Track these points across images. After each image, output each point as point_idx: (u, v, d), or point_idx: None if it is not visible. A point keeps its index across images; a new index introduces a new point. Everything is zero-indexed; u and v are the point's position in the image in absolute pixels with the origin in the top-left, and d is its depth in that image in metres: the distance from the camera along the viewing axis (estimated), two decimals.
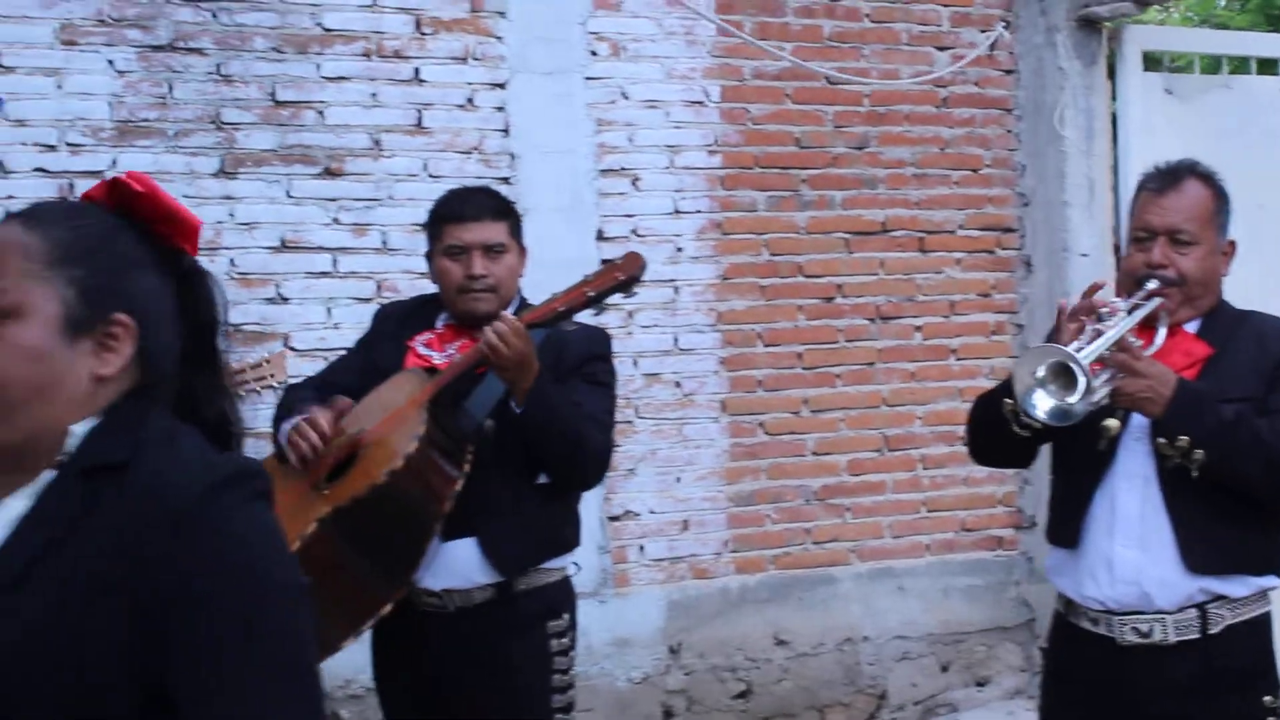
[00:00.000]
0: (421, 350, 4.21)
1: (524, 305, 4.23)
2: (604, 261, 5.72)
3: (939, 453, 6.92)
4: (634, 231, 6.32)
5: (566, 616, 4.21)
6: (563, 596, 4.24)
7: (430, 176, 6.01)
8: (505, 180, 6.01)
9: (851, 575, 6.77)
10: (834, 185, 6.73)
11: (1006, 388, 3.57)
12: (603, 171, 6.29)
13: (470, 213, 4.19)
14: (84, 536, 1.85)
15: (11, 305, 1.93)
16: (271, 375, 4.68)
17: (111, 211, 2.06)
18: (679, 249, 6.38)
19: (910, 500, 6.89)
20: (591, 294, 3.97)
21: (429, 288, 5.46)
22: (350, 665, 4.77)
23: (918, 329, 6.89)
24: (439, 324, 4.27)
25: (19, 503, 1.93)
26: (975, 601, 6.99)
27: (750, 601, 6.57)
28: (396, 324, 4.35)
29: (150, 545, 1.83)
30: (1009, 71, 7.07)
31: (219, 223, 5.67)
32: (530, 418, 3.94)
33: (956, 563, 6.97)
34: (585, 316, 4.09)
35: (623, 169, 6.35)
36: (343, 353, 4.58)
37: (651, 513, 6.37)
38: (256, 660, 1.85)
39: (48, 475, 1.94)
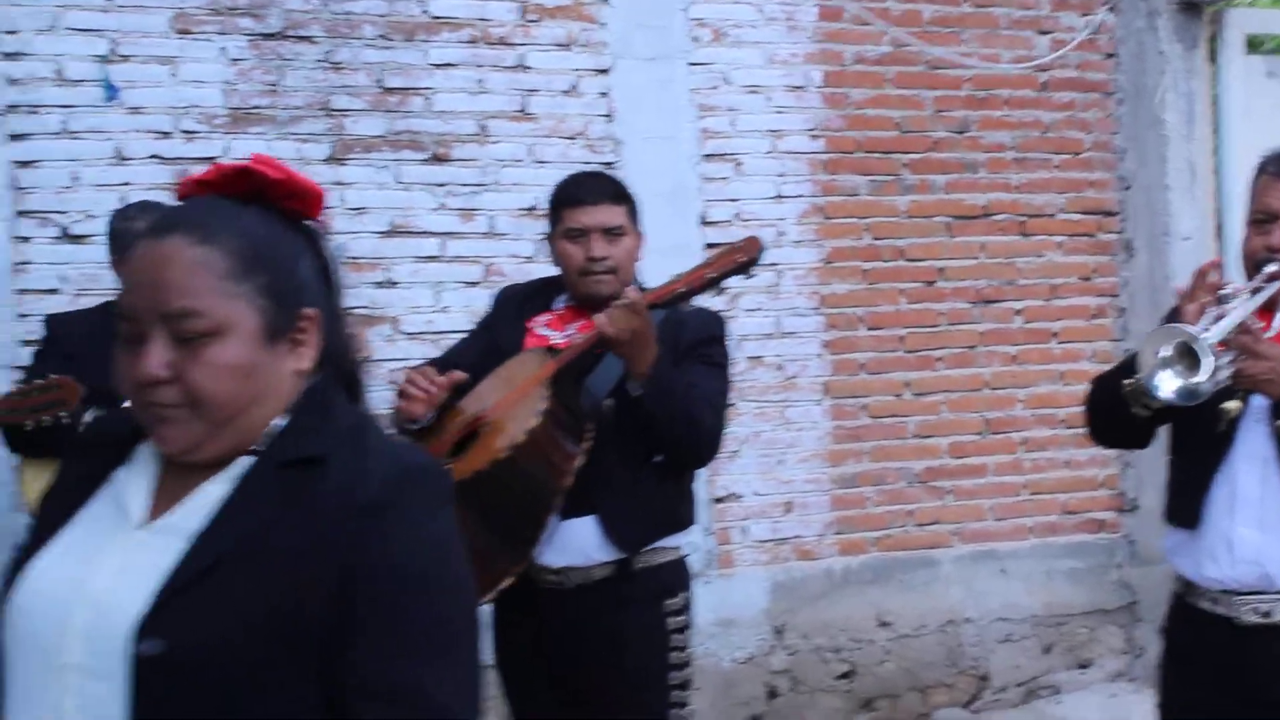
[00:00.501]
0: (541, 331, 4.23)
1: (641, 288, 4.23)
2: (708, 245, 5.77)
3: (1040, 435, 6.85)
4: (737, 216, 6.31)
5: (683, 595, 4.21)
6: (679, 575, 4.23)
7: (535, 162, 6.02)
8: (609, 165, 6.00)
9: (953, 557, 6.72)
10: (935, 169, 6.68)
11: (1126, 368, 3.53)
12: (706, 156, 6.27)
13: (589, 197, 4.20)
14: (283, 528, 1.91)
15: (211, 327, 1.93)
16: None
17: (240, 199, 2.04)
18: (781, 233, 6.35)
19: (1012, 483, 6.82)
20: (712, 275, 3.98)
21: (534, 271, 5.49)
22: None
23: (1019, 312, 6.83)
24: (558, 305, 4.28)
25: (217, 488, 1.98)
26: (1077, 584, 6.92)
27: (853, 583, 6.53)
28: (516, 306, 4.37)
29: (346, 535, 1.89)
30: (1109, 55, 6.99)
31: (329, 208, 5.67)
32: (647, 397, 3.94)
33: (1058, 545, 6.90)
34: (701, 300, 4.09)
35: (725, 154, 6.33)
36: (452, 336, 4.60)
37: (755, 495, 6.35)
38: (426, 639, 1.91)
39: (244, 461, 1.99)
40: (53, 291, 5.42)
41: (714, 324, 4.29)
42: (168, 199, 5.27)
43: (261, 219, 2.01)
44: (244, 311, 1.95)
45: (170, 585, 1.87)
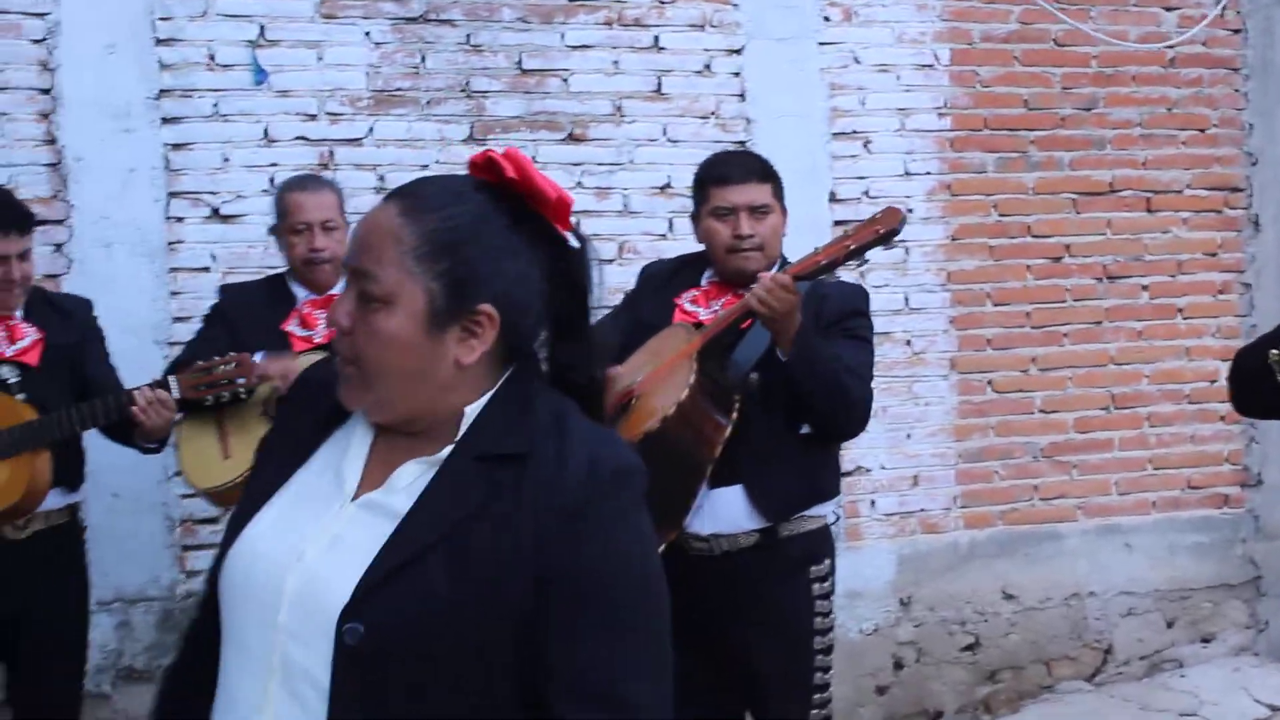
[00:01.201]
0: (688, 306, 4.29)
1: (784, 262, 4.27)
2: (837, 222, 5.78)
3: (1165, 411, 6.81)
4: (865, 193, 6.30)
5: (828, 561, 4.29)
6: (824, 542, 4.30)
7: (669, 141, 6.05)
8: (741, 144, 6.02)
9: (1078, 531, 6.70)
10: (1062, 146, 6.64)
11: (1272, 338, 3.51)
12: (835, 135, 6.27)
13: (737, 175, 4.25)
14: (484, 525, 1.94)
15: (383, 295, 1.99)
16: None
17: (491, 186, 2.06)
18: (909, 210, 6.32)
19: (1136, 458, 6.78)
20: (852, 247, 4.00)
21: (667, 248, 5.54)
22: None
23: (1144, 288, 6.78)
24: (704, 281, 4.33)
25: (414, 468, 2.03)
26: (1201, 559, 6.88)
27: (979, 556, 6.53)
28: (662, 282, 4.43)
29: (546, 535, 1.93)
30: (1236, 31, 6.91)
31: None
32: (794, 368, 3.98)
33: (1182, 520, 6.85)
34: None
35: (854, 132, 6.33)
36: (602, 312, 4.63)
37: (882, 468, 6.36)
38: (624, 633, 1.96)
39: (445, 451, 2.03)
40: (204, 269, 5.52)
41: (858, 298, 4.33)
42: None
43: (485, 212, 2.03)
44: (414, 291, 1.99)
45: (374, 573, 1.92)
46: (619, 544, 1.98)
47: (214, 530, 5.51)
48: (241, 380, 4.46)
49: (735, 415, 4.03)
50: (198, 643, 2.15)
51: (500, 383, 2.07)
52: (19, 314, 4.61)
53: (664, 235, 5.97)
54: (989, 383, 6.55)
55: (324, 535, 2.00)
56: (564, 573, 1.93)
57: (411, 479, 2.02)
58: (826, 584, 4.28)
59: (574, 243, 2.10)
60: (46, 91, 5.37)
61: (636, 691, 1.95)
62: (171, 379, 4.46)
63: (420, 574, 1.92)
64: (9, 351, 4.56)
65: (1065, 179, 6.65)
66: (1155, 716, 6.33)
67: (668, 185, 5.99)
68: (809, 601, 4.23)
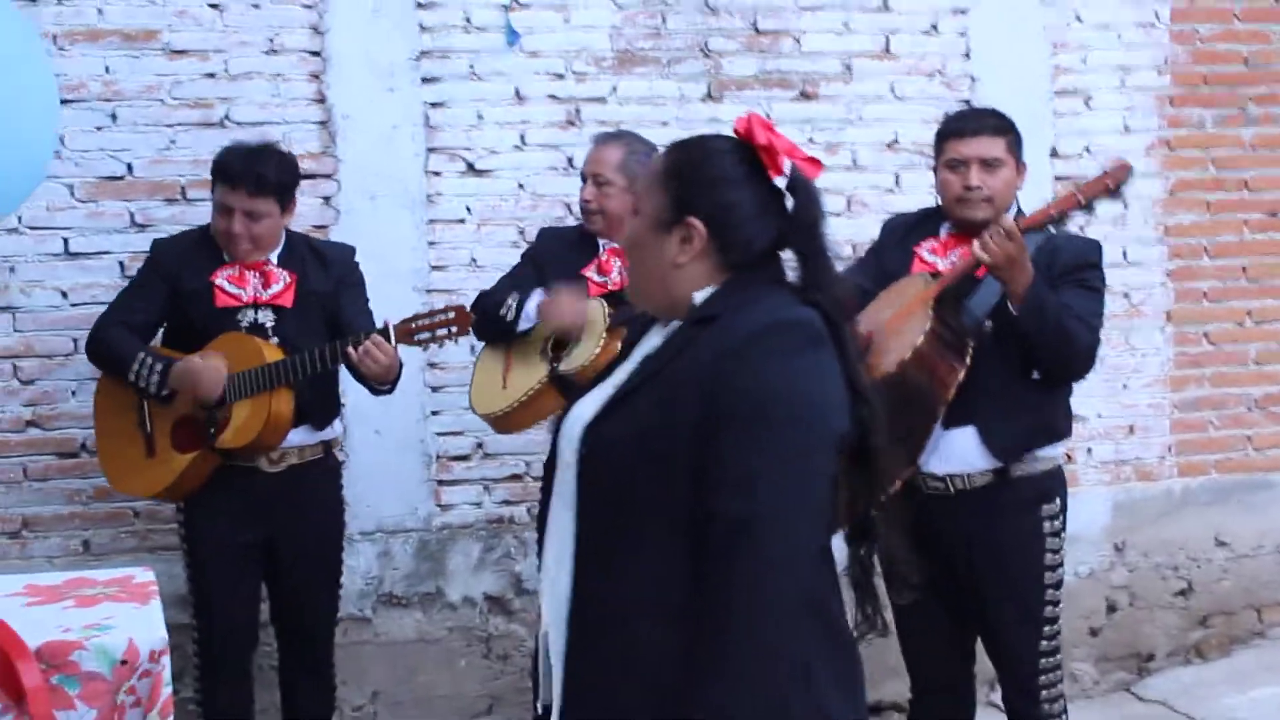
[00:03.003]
0: (927, 256, 4.44)
1: (1019, 215, 4.37)
2: (1058, 178, 5.83)
3: None
4: (1086, 149, 6.34)
5: (1059, 501, 4.42)
6: (1055, 482, 4.44)
7: (896, 98, 6.15)
8: (966, 102, 6.09)
9: None
10: None
11: None
12: (1057, 92, 6.31)
13: (970, 129, 4.41)
14: (681, 362, 2.51)
15: (638, 206, 2.67)
16: None
17: (739, 140, 2.60)
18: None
19: None
20: (1082, 200, 4.14)
21: (894, 202, 5.66)
22: None
23: None
24: (942, 232, 4.45)
25: (653, 341, 2.68)
26: None
27: (1192, 504, 6.56)
28: (903, 233, 4.59)
29: (717, 368, 2.45)
30: None
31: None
32: (1024, 317, 4.10)
33: None
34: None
35: (1076, 89, 6.36)
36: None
37: (1099, 417, 6.39)
38: (761, 435, 2.41)
39: (674, 324, 2.64)
40: (459, 221, 5.74)
41: (1090, 250, 4.45)
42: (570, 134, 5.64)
43: (710, 150, 2.63)
44: (649, 204, 2.63)
45: (605, 407, 2.58)
46: (767, 374, 2.44)
47: (467, 467, 5.77)
48: (455, 329, 4.68)
49: (969, 360, 4.15)
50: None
51: (724, 282, 2.59)
52: (275, 259, 4.84)
53: (891, 190, 6.06)
54: (1205, 335, 6.56)
55: (598, 398, 2.64)
56: (725, 393, 2.42)
57: (646, 348, 2.67)
58: (1057, 522, 4.40)
59: (802, 181, 2.58)
60: (317, 53, 5.61)
61: (769, 490, 2.38)
62: (390, 327, 4.65)
63: (632, 404, 2.53)
64: (264, 295, 4.80)
65: None
66: None
67: (895, 141, 6.09)
68: (1040, 539, 4.36)
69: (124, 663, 3.28)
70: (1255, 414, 6.64)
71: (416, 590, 5.73)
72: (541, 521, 2.85)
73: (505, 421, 4.96)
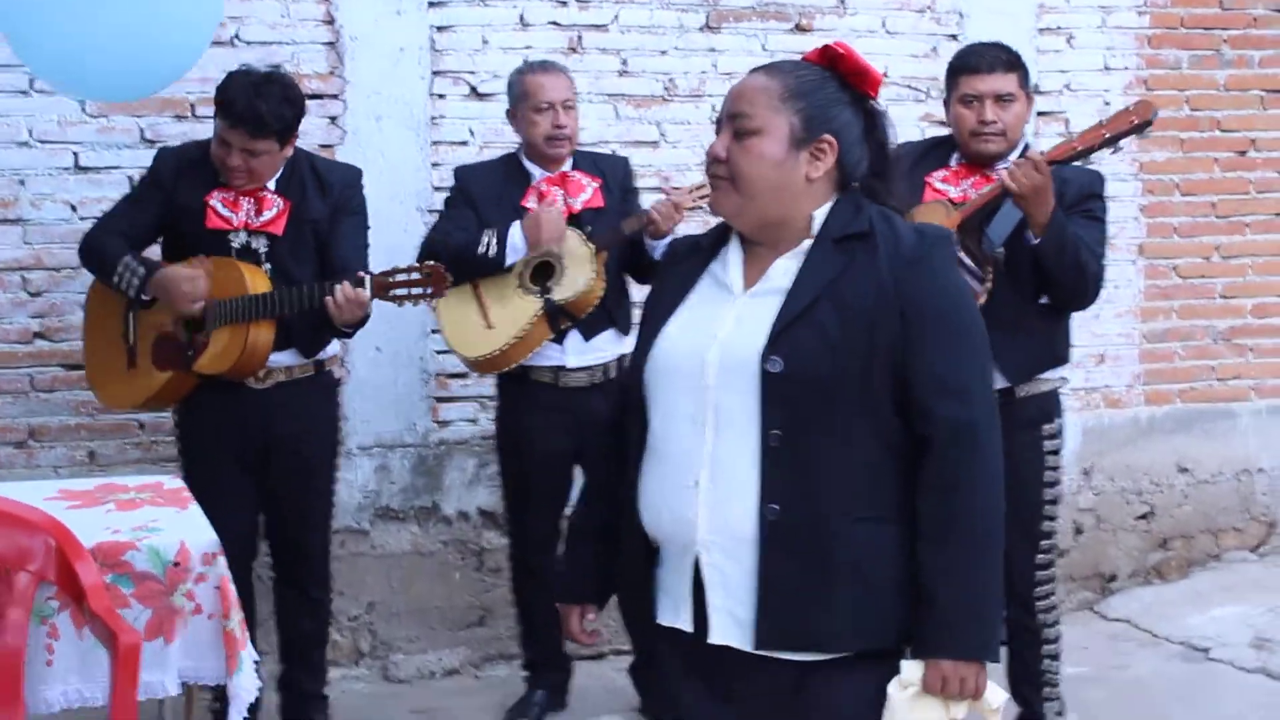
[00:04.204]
0: (938, 185, 4.57)
1: (1026, 148, 4.50)
2: (1039, 114, 5.93)
3: None
4: (1066, 86, 6.48)
5: (1058, 420, 4.64)
6: (1056, 403, 4.67)
7: (887, 33, 6.26)
8: (954, 38, 6.21)
9: (1251, 411, 6.89)
10: (1253, 45, 6.78)
11: None
12: (1041, 30, 6.42)
13: (984, 65, 4.52)
14: (850, 280, 2.65)
15: (758, 127, 2.70)
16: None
17: (822, 66, 2.76)
18: (1106, 103, 6.47)
19: None
20: (1108, 135, 4.26)
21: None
22: None
23: None
24: (953, 162, 4.57)
25: (788, 262, 2.73)
26: None
27: (1157, 431, 6.75)
28: (913, 162, 4.67)
29: (898, 279, 2.64)
30: None
31: (703, 73, 6.00)
32: (1044, 246, 4.24)
33: None
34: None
35: (1059, 28, 6.49)
36: None
37: (1070, 346, 6.52)
38: (964, 344, 2.67)
39: (806, 244, 2.73)
40: (462, 144, 5.80)
41: (1095, 181, 4.59)
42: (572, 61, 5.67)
43: (819, 75, 2.75)
44: (779, 122, 2.69)
45: (779, 324, 2.64)
46: (952, 280, 2.73)
47: (464, 384, 5.85)
48: (431, 291, 4.61)
49: (989, 284, 4.29)
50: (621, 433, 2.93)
51: (837, 197, 2.74)
52: (271, 185, 4.79)
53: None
54: (1174, 268, 6.73)
55: (728, 320, 2.72)
56: (918, 302, 2.63)
57: (785, 269, 2.72)
58: (1057, 440, 4.61)
59: (879, 108, 2.81)
60: None
61: (978, 386, 2.68)
62: (367, 278, 4.57)
63: (813, 319, 2.63)
64: (256, 222, 4.75)
65: (1255, 76, 6.79)
66: None
67: (885, 74, 6.15)
68: (1040, 456, 4.56)
69: (176, 564, 3.38)
70: (1220, 346, 6.82)
71: (413, 504, 5.83)
72: (630, 445, 2.85)
73: (499, 360, 4.99)
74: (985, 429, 2.66)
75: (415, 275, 4.61)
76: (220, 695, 4.01)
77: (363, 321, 4.72)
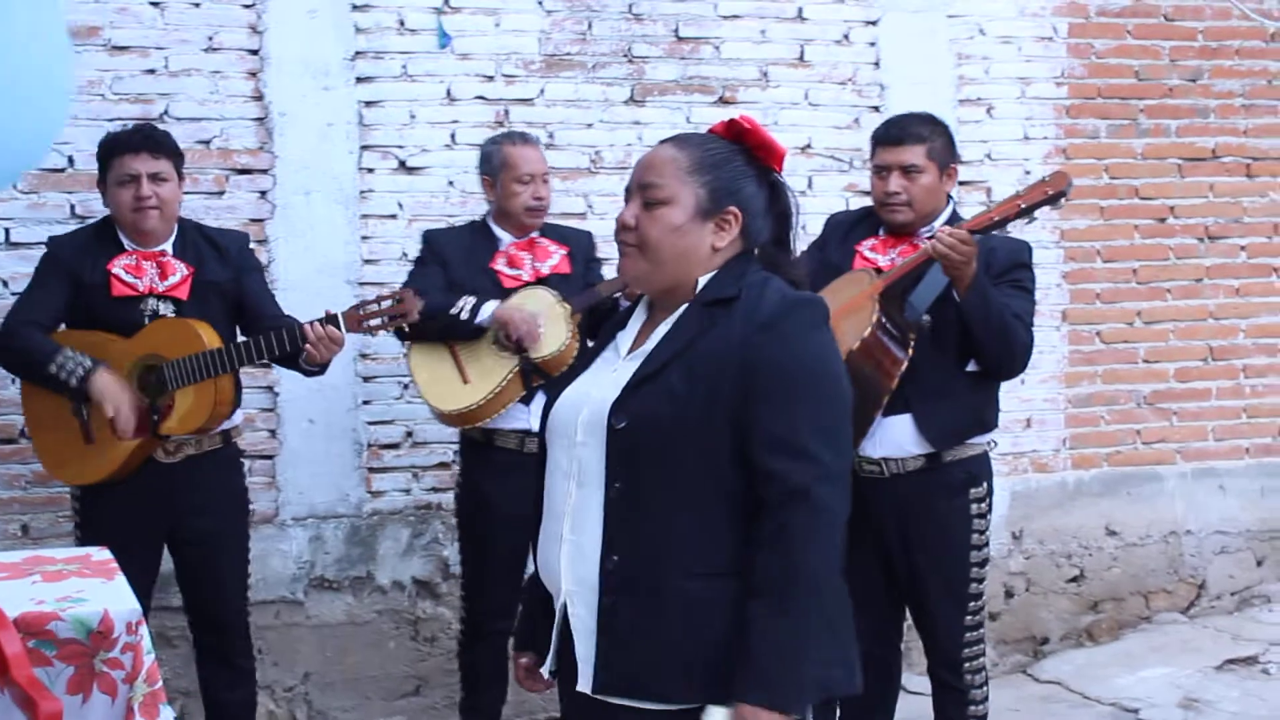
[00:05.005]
0: (867, 253, 4.63)
1: (955, 215, 4.58)
2: (960, 183, 6.00)
3: (1260, 363, 7.05)
4: (988, 156, 6.58)
5: (985, 484, 4.62)
6: (983, 467, 4.66)
7: (810, 105, 6.35)
8: (876, 109, 6.32)
9: (1176, 474, 6.96)
10: (1169, 114, 6.89)
11: None
12: (961, 100, 6.53)
13: (891, 136, 4.61)
14: (706, 341, 2.75)
15: (666, 197, 2.81)
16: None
17: (729, 140, 2.87)
18: (1027, 172, 6.58)
19: (1232, 406, 7.03)
20: (1023, 205, 4.33)
21: (808, 205, 5.77)
22: None
23: (1243, 248, 7.02)
24: (881, 231, 4.64)
25: (665, 326, 2.85)
26: None
27: (1085, 494, 6.80)
28: (846, 229, 4.78)
29: (748, 343, 2.71)
30: None
31: (629, 145, 6.07)
32: (969, 311, 4.30)
33: (1274, 465, 7.09)
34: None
35: (979, 99, 6.60)
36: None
37: (999, 412, 6.59)
38: (807, 406, 2.70)
39: (683, 306, 2.84)
40: (391, 216, 5.85)
41: (1023, 251, 4.66)
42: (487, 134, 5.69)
43: (729, 153, 2.85)
44: (687, 194, 2.80)
45: (630, 383, 2.77)
46: (802, 344, 2.73)
47: (397, 454, 5.88)
48: (402, 317, 4.74)
49: (911, 351, 4.35)
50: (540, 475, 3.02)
51: (721, 265, 2.84)
52: (170, 250, 4.82)
53: (804, 192, 6.22)
54: (1098, 334, 6.82)
55: (604, 382, 2.84)
56: (760, 363, 2.68)
57: (661, 332, 2.84)
58: (984, 504, 4.61)
59: (783, 181, 2.91)
60: (255, 52, 5.69)
61: (818, 448, 2.68)
62: (339, 315, 4.70)
63: (662, 379, 2.73)
64: (160, 287, 4.77)
65: (1172, 145, 6.90)
66: (1246, 645, 6.56)
67: (808, 146, 6.29)
68: (968, 519, 4.57)
69: (100, 633, 3.37)
70: (1144, 410, 6.90)
71: (347, 574, 5.82)
72: (537, 500, 2.99)
73: (473, 415, 5.05)
74: (822, 490, 2.67)
75: (386, 304, 4.76)
76: None
77: (329, 362, 4.82)
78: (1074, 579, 6.80)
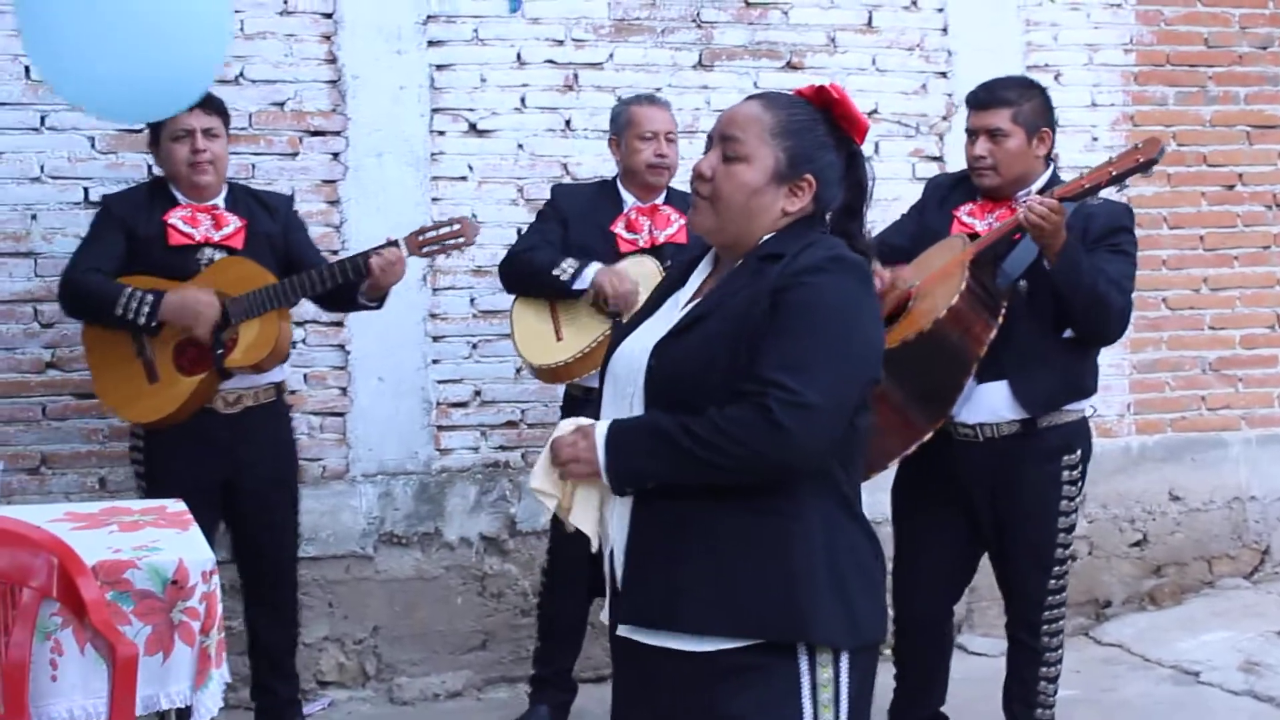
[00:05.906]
0: (964, 218, 4.63)
1: (1055, 180, 4.56)
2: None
3: None
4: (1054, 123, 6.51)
5: (1080, 451, 4.64)
6: (1079, 434, 4.68)
7: (877, 70, 6.34)
8: (943, 75, 6.32)
9: (1241, 440, 6.93)
10: (1238, 82, 6.85)
11: None
12: (1029, 67, 6.46)
13: (978, 101, 4.62)
14: (749, 290, 2.77)
15: (746, 154, 2.84)
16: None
17: (815, 106, 2.87)
18: (1094, 139, 6.57)
19: None
20: (1114, 173, 4.32)
21: (878, 169, 5.80)
22: None
23: None
24: (979, 196, 4.63)
25: (700, 278, 2.96)
26: None
27: (1149, 460, 6.78)
28: (944, 193, 4.79)
29: (779, 286, 2.73)
30: None
31: (696, 109, 6.07)
32: (1059, 278, 4.30)
33: None
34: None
35: (1046, 65, 6.55)
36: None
37: (1097, 378, 6.55)
38: (819, 339, 2.70)
39: (739, 263, 2.88)
40: (461, 179, 5.90)
41: (1122, 215, 4.65)
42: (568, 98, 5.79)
43: (812, 121, 2.86)
44: (766, 155, 2.81)
45: (673, 330, 2.83)
46: (825, 291, 2.72)
47: (465, 413, 5.93)
48: (462, 240, 4.98)
49: (1001, 318, 4.36)
50: None
51: (785, 226, 2.85)
52: (222, 204, 4.95)
53: (870, 157, 6.08)
54: (1163, 300, 6.79)
55: (658, 328, 2.89)
56: (784, 303, 2.70)
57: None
58: (1076, 472, 4.63)
59: (862, 153, 2.94)
60: (329, 15, 5.75)
61: (814, 375, 2.66)
62: (401, 240, 4.90)
63: (700, 326, 2.78)
64: (216, 237, 4.90)
65: (1240, 113, 6.86)
66: None
67: (875, 111, 6.25)
68: (1058, 485, 4.59)
69: (175, 583, 3.44)
70: (1209, 376, 6.87)
71: (416, 530, 5.89)
72: None
73: (561, 372, 5.13)
74: (792, 413, 2.64)
75: (444, 229, 4.95)
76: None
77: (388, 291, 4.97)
78: (1137, 543, 6.78)
